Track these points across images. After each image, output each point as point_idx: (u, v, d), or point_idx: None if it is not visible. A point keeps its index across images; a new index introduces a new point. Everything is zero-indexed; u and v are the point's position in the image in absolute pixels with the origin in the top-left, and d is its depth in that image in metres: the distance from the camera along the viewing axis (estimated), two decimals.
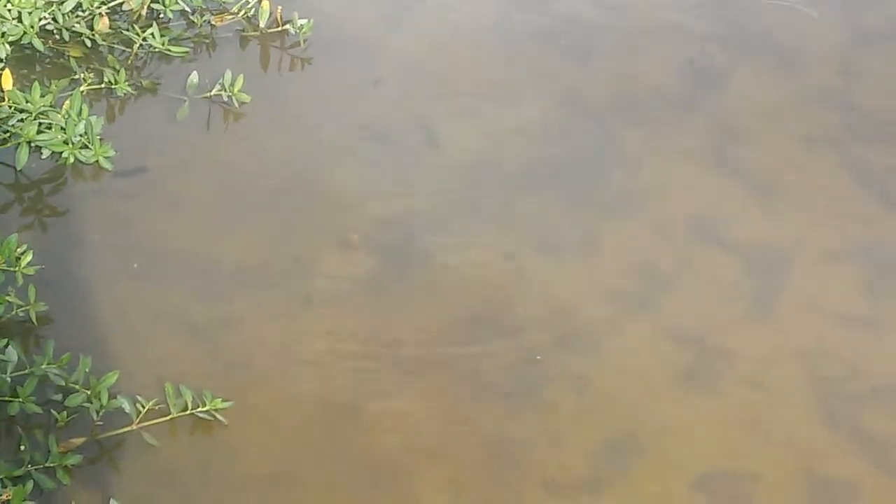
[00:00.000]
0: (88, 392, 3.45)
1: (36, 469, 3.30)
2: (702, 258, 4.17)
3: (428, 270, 4.05)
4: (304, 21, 4.84)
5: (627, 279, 4.09)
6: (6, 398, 3.42)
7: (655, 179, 4.45)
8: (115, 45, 4.68)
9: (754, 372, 3.82)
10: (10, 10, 4.42)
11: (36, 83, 4.18)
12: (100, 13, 4.63)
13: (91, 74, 4.52)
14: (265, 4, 4.86)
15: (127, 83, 4.50)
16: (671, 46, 5.10)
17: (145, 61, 4.69)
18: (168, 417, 3.49)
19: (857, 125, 4.74)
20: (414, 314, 3.92)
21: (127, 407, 3.47)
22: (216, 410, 3.51)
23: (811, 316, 4.00)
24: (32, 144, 4.12)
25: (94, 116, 4.21)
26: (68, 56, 4.58)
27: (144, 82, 4.60)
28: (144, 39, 4.62)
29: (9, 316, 3.66)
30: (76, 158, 4.14)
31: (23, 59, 4.57)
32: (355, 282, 4.00)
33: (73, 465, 3.34)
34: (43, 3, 4.50)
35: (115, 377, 3.48)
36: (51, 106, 4.22)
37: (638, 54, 5.04)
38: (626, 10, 5.29)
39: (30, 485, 3.22)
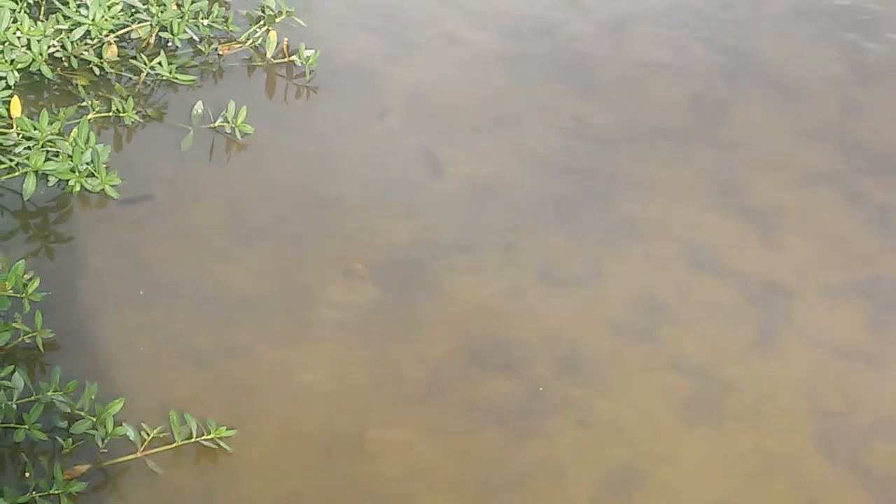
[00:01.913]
0: (94, 419, 3.46)
1: (41, 496, 3.31)
2: (704, 291, 4.19)
3: (431, 300, 4.07)
4: (310, 52, 4.89)
5: (630, 310, 4.10)
6: (12, 425, 3.44)
7: (658, 211, 4.48)
8: (123, 73, 4.71)
9: (756, 405, 3.83)
10: (19, 38, 4.45)
11: (44, 110, 4.21)
12: (108, 41, 4.67)
13: (98, 102, 4.55)
14: (272, 35, 4.90)
15: (134, 111, 4.53)
16: (674, 80, 5.13)
17: (152, 89, 4.73)
18: (173, 445, 3.51)
19: (859, 159, 4.77)
20: (417, 343, 3.94)
21: (132, 435, 3.48)
22: (220, 438, 3.52)
23: (813, 350, 4.02)
24: (39, 173, 4.14)
25: (101, 145, 4.25)
26: (76, 83, 4.62)
27: (150, 111, 4.63)
28: (152, 68, 4.65)
29: (15, 342, 3.69)
30: (82, 186, 4.18)
31: (31, 85, 4.61)
32: (359, 311, 4.02)
33: (77, 493, 3.35)
34: (52, 30, 4.53)
35: (121, 404, 3.49)
36: (58, 133, 4.25)
37: (641, 87, 5.07)
38: (629, 43, 5.32)
39: None
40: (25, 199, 4.13)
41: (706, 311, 4.12)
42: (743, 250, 4.35)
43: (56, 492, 3.32)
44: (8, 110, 4.26)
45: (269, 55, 4.92)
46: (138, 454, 3.49)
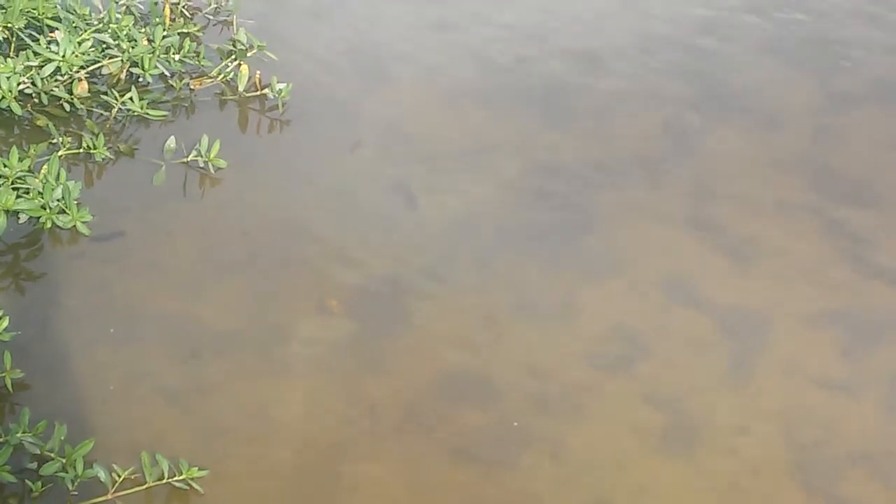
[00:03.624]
0: (63, 460, 3.43)
1: None
2: (679, 321, 4.18)
3: (405, 334, 4.05)
4: (282, 85, 4.87)
5: (605, 342, 4.09)
6: None
7: (632, 242, 4.47)
8: (94, 109, 4.70)
9: (731, 436, 3.82)
10: None
11: (14, 147, 4.19)
12: (79, 77, 4.65)
13: (69, 139, 4.53)
14: (244, 68, 4.89)
15: (105, 147, 4.51)
16: (647, 109, 5.14)
17: (124, 125, 4.71)
18: (144, 486, 3.47)
19: (832, 188, 4.77)
20: (391, 378, 3.92)
21: (103, 476, 3.44)
22: (192, 479, 3.49)
23: (788, 380, 4.01)
24: (10, 210, 4.12)
25: (72, 181, 4.23)
26: (41, 121, 4.59)
27: (122, 146, 4.61)
28: (123, 103, 4.64)
29: None
30: (53, 223, 4.15)
31: (1, 122, 4.58)
32: (333, 346, 3.99)
33: None
34: (22, 67, 4.52)
35: (91, 445, 3.46)
36: (29, 170, 4.23)
37: (614, 117, 5.08)
38: (603, 72, 5.33)
39: None
40: None
41: (681, 342, 4.11)
42: (717, 280, 4.34)
43: None
44: None
45: (241, 89, 4.91)
46: (109, 496, 3.45)
